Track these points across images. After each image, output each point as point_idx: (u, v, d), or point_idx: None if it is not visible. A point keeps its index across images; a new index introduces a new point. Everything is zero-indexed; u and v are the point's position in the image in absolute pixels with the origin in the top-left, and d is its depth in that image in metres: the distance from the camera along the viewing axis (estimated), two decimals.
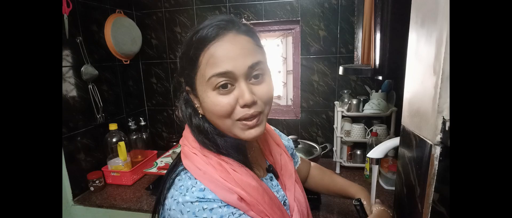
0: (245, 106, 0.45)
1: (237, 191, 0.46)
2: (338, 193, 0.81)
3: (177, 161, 0.53)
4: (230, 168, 0.48)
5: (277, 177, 0.60)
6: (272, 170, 0.59)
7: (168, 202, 0.47)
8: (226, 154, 0.50)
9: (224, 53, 0.44)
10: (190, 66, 0.47)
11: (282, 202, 0.57)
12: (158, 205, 0.53)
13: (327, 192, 0.84)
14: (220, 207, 0.44)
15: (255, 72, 0.46)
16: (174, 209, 0.45)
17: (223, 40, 0.45)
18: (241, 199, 0.46)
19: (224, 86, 0.44)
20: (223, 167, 0.48)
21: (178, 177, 0.49)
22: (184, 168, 0.50)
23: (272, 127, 0.71)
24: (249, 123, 0.47)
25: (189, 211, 0.44)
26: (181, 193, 0.45)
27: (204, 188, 0.46)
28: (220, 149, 0.49)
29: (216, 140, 0.50)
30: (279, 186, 0.59)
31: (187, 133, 0.55)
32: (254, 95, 0.45)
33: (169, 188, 0.49)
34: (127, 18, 1.50)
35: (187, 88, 0.51)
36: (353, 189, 0.77)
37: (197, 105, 0.51)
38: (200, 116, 0.51)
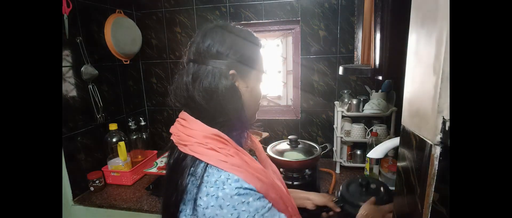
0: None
1: (258, 177, 0.52)
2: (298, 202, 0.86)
3: (186, 165, 0.53)
4: (244, 157, 0.55)
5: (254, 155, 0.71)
6: (253, 152, 0.72)
7: (204, 201, 0.48)
8: (236, 137, 0.59)
9: (264, 59, 0.64)
10: (252, 61, 0.59)
11: None
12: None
13: None
14: (254, 200, 0.50)
15: None
16: (212, 206, 0.48)
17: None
18: (261, 184, 0.52)
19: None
20: (240, 156, 0.53)
21: (205, 174, 0.50)
22: (207, 164, 0.51)
23: None
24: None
25: (228, 204, 0.47)
26: (218, 187, 0.48)
27: (238, 179, 0.49)
28: (242, 130, 0.60)
29: (246, 118, 0.59)
30: (260, 165, 0.68)
31: (189, 126, 0.56)
32: None
33: (198, 190, 0.49)
34: (127, 18, 1.50)
35: (233, 71, 0.56)
36: (312, 195, 0.87)
37: (237, 85, 0.58)
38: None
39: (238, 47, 0.57)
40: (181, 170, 0.53)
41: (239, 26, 0.61)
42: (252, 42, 0.60)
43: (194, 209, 0.49)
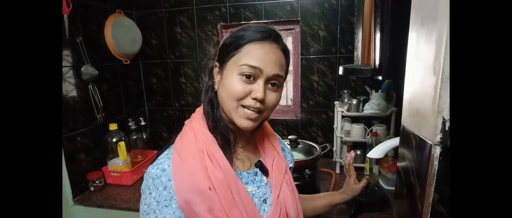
0: (255, 98, 0.53)
1: (199, 183, 0.51)
2: (325, 205, 0.83)
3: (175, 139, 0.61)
4: (208, 158, 0.54)
5: (266, 175, 0.63)
6: (259, 165, 0.63)
7: (150, 165, 0.57)
8: (215, 133, 0.57)
9: (262, 54, 0.53)
10: (231, 48, 0.55)
11: (262, 199, 0.60)
12: None
13: (312, 212, 0.83)
14: (156, 197, 0.52)
15: (274, 81, 0.55)
16: (146, 171, 0.56)
17: (266, 45, 0.54)
18: (197, 191, 0.51)
19: (248, 76, 0.53)
20: (202, 155, 0.54)
21: (165, 150, 0.58)
22: (172, 143, 0.58)
23: (276, 134, 0.74)
24: (250, 114, 0.54)
25: (146, 180, 0.55)
26: (154, 164, 0.56)
27: (166, 169, 0.53)
28: (216, 125, 0.58)
29: (217, 116, 0.58)
30: (262, 183, 0.62)
31: (197, 112, 0.62)
32: (265, 95, 0.54)
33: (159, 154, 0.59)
34: (127, 18, 1.50)
35: (216, 63, 0.58)
36: (336, 197, 0.83)
37: (216, 79, 0.58)
38: (215, 90, 0.59)
39: (227, 38, 0.57)
40: (170, 143, 0.61)
41: (257, 24, 0.62)
42: (242, 32, 0.55)
43: None
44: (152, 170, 0.54)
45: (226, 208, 0.52)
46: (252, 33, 0.54)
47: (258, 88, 0.53)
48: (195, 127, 0.58)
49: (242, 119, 0.54)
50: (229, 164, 0.55)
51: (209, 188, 0.51)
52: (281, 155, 0.68)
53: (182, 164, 0.53)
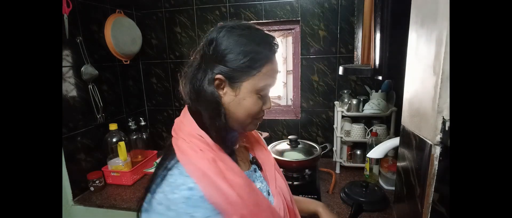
0: (266, 109, 0.58)
1: (225, 192, 0.48)
2: (303, 209, 0.82)
3: (169, 155, 0.54)
4: (223, 165, 0.51)
5: (260, 169, 0.65)
6: (255, 162, 0.65)
7: (159, 196, 0.49)
8: (221, 142, 0.54)
9: (275, 71, 0.56)
10: (251, 69, 0.52)
11: (266, 192, 0.61)
12: (142, 202, 0.53)
13: None
14: (203, 215, 0.47)
15: None
16: (162, 204, 0.48)
17: (275, 60, 0.56)
18: (228, 201, 0.48)
19: (266, 94, 0.56)
20: (216, 164, 0.50)
21: (170, 172, 0.50)
22: (177, 162, 0.51)
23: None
24: (260, 121, 0.59)
25: (175, 209, 0.47)
26: (171, 190, 0.48)
27: (193, 187, 0.47)
28: (223, 135, 0.54)
29: (225, 128, 0.54)
30: (262, 177, 0.64)
31: (183, 120, 0.56)
32: None
33: (160, 183, 0.50)
34: (127, 18, 1.50)
35: (220, 76, 0.52)
36: (313, 205, 0.83)
37: (221, 92, 0.54)
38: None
39: (236, 52, 0.52)
40: (162, 158, 0.55)
41: (255, 28, 0.55)
42: (256, 48, 0.52)
43: (151, 200, 0.50)
44: (175, 196, 0.47)
45: (255, 211, 0.51)
46: (267, 49, 0.54)
47: (267, 100, 0.57)
48: (195, 139, 0.53)
49: (255, 126, 0.59)
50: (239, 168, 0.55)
51: (237, 195, 0.49)
52: (265, 147, 0.72)
53: (205, 178, 0.48)
